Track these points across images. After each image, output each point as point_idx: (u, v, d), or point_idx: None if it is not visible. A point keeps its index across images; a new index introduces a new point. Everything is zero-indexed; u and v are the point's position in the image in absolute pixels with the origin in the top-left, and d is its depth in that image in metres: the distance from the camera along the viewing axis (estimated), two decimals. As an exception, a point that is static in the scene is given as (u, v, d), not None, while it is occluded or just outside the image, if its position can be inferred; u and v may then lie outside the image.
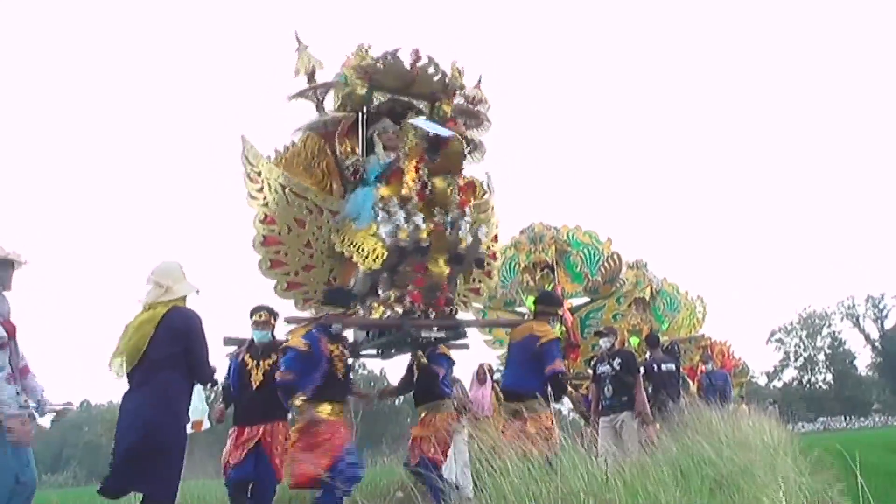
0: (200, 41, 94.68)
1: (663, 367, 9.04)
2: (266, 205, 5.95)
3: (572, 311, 10.56)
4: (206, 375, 4.53)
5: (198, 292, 4.48)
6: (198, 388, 4.91)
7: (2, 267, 4.14)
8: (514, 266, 10.68)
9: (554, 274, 10.58)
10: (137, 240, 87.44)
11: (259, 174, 5.98)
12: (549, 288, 10.32)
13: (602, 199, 74.21)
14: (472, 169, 6.70)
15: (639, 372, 7.91)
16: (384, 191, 5.79)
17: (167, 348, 4.17)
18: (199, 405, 6.86)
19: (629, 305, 11.17)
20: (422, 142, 5.83)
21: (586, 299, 11.01)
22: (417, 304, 5.76)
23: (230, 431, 5.96)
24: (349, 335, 6.17)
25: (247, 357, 5.96)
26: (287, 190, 6.02)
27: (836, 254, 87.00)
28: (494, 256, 7.09)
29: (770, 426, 7.42)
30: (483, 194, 6.73)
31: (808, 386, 59.01)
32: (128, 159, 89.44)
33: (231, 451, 5.79)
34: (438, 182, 5.82)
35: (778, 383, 59.59)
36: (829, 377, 58.97)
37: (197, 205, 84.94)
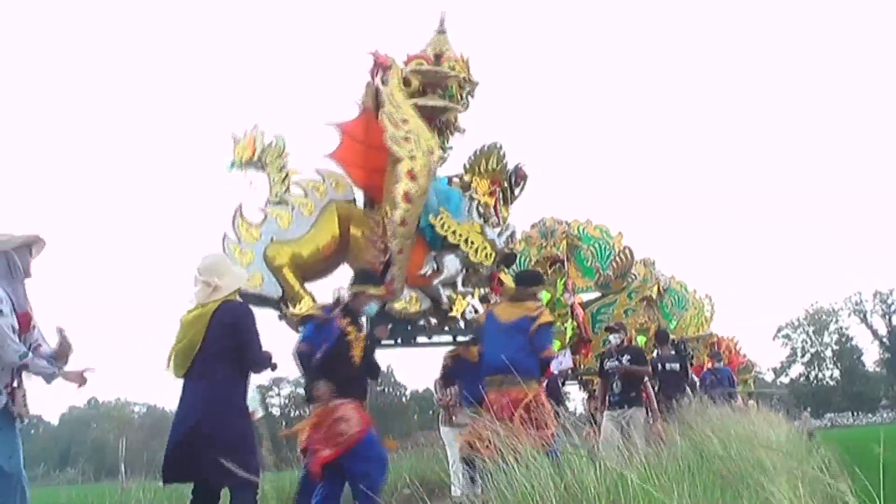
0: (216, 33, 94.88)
1: (667, 366, 9.11)
2: (413, 158, 5.70)
3: (583, 306, 10.48)
4: (262, 366, 4.45)
5: (246, 280, 4.54)
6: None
7: (20, 253, 4.04)
8: (526, 260, 10.54)
9: (565, 269, 10.46)
10: (145, 233, 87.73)
11: (405, 121, 5.75)
12: (561, 283, 10.29)
13: (609, 196, 74.08)
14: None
15: (647, 366, 8.01)
16: (488, 199, 6.42)
17: (219, 343, 4.18)
18: (251, 394, 6.79)
19: (640, 301, 11.06)
20: (503, 171, 6.66)
21: (597, 294, 10.91)
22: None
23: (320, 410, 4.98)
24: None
25: (347, 325, 5.08)
26: (433, 157, 5.84)
27: (843, 249, 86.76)
28: None
29: (778, 422, 7.43)
30: None
31: (815, 382, 58.86)
32: (145, 150, 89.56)
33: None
34: (505, 211, 6.65)
35: (785, 379, 59.48)
36: (837, 373, 58.80)
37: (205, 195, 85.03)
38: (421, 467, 10.02)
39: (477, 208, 6.31)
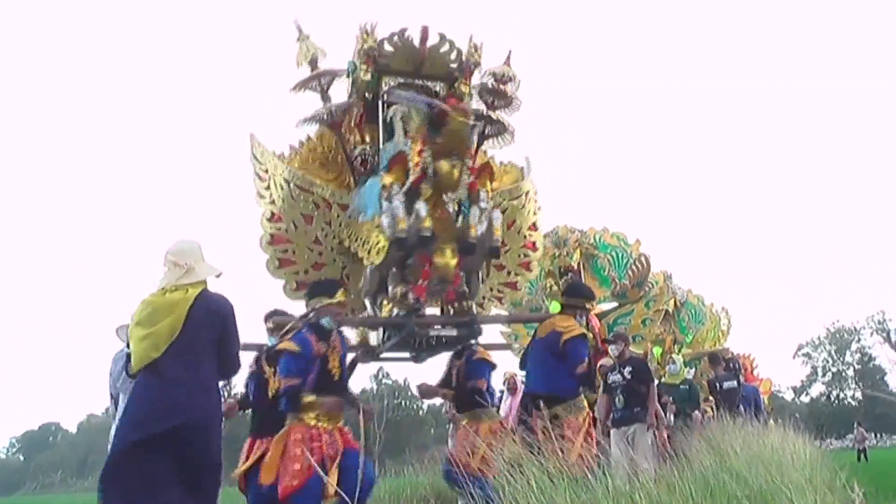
0: (204, 38, 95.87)
1: (725, 384, 9.30)
2: (272, 202, 5.76)
3: (600, 316, 10.12)
4: (235, 369, 4.11)
5: (219, 276, 3.99)
6: None
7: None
8: (540, 271, 10.38)
9: (579, 279, 10.05)
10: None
11: (266, 171, 5.77)
12: None
13: (626, 210, 73.83)
14: (506, 153, 6.59)
15: (652, 380, 7.57)
16: (387, 178, 5.39)
17: (204, 334, 3.70)
18: None
19: (658, 311, 10.75)
20: (424, 121, 5.42)
21: (614, 304, 10.63)
22: (422, 299, 5.46)
23: (247, 443, 5.40)
24: (370, 338, 5.98)
25: (264, 364, 5.41)
26: (291, 185, 5.81)
27: (865, 266, 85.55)
28: (534, 247, 6.78)
29: (802, 442, 7.26)
30: (515, 180, 6.57)
31: (836, 402, 57.92)
32: (125, 160, 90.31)
33: (245, 462, 5.23)
34: (443, 164, 5.37)
35: (805, 398, 58.63)
36: (859, 393, 57.82)
37: (200, 207, 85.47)
38: (438, 481, 9.94)
39: (382, 194, 5.40)
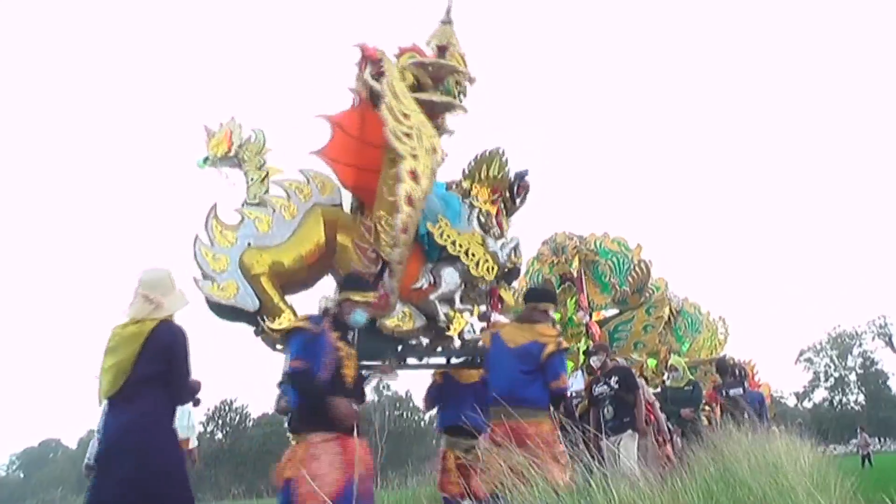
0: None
1: (731, 391, 9.43)
2: (415, 157, 5.11)
3: (601, 324, 10.06)
4: (184, 397, 4.13)
5: (188, 304, 4.10)
6: (185, 406, 4.47)
7: None
8: (539, 278, 10.17)
9: (577, 286, 10.03)
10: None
11: (407, 116, 5.15)
12: (573, 302, 9.87)
13: (623, 215, 73.85)
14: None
15: (638, 388, 7.41)
16: (491, 207, 5.98)
17: (154, 366, 3.84)
18: (186, 423, 6.42)
19: (659, 317, 10.52)
20: (504, 177, 6.11)
21: (615, 311, 10.49)
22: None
23: (315, 439, 4.25)
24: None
25: (339, 342, 4.46)
26: (437, 157, 5.30)
27: (866, 270, 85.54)
28: None
29: (803, 448, 7.23)
30: None
31: (839, 407, 57.82)
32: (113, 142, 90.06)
33: (339, 470, 4.20)
34: (506, 223, 6.17)
35: (808, 404, 58.53)
36: (861, 398, 57.74)
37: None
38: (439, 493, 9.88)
39: (478, 217, 5.85)
